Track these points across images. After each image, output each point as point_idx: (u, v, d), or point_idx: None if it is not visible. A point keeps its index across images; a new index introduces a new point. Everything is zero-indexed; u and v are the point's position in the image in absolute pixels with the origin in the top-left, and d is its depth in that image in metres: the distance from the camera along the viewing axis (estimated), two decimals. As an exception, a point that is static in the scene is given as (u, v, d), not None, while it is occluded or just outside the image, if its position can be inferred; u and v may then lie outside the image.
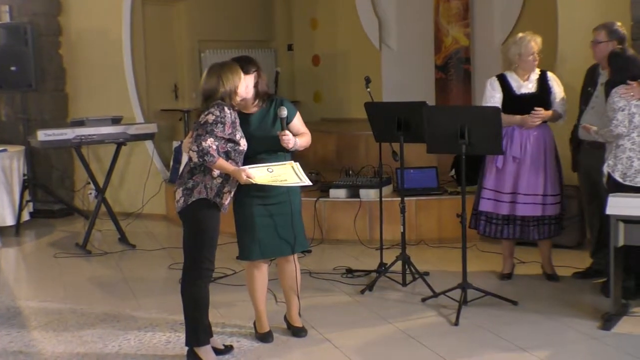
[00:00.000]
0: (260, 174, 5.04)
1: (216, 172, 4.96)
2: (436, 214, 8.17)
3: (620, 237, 5.50)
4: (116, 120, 8.84)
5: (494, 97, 6.51)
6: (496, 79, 6.59)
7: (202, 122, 4.92)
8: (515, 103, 6.47)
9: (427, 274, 6.77)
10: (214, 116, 4.90)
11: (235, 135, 4.98)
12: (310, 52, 12.52)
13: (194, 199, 4.95)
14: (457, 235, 6.25)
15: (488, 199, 6.57)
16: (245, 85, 5.15)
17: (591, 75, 6.51)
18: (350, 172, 8.83)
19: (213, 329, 5.35)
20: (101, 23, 9.92)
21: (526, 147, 6.48)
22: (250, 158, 5.18)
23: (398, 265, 6.70)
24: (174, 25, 11.19)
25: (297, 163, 5.25)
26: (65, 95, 10.23)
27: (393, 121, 6.56)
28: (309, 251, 7.83)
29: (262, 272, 5.49)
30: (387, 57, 11.46)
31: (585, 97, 6.49)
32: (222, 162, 4.92)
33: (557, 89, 6.59)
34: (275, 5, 12.66)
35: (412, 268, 6.69)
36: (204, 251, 5.01)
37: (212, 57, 11.35)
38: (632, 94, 5.79)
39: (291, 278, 5.56)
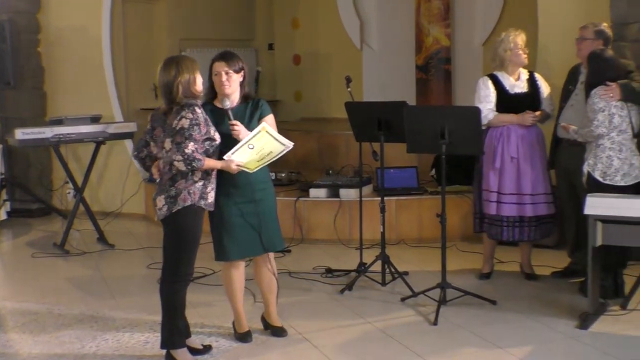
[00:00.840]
0: (245, 155, 4.98)
1: (197, 176, 4.91)
2: (416, 213, 8.18)
3: (598, 236, 5.52)
4: (95, 119, 8.79)
5: (488, 95, 6.52)
6: (488, 78, 6.60)
7: (177, 129, 4.85)
8: (509, 102, 6.50)
9: (406, 273, 6.78)
10: (188, 120, 4.84)
11: (210, 133, 4.94)
12: (291, 52, 12.51)
13: (179, 207, 4.89)
14: (437, 235, 6.25)
15: (491, 201, 6.57)
16: (202, 81, 5.09)
17: (573, 74, 6.56)
18: (331, 171, 8.83)
19: (192, 328, 5.33)
20: (81, 21, 9.87)
21: (523, 146, 6.50)
22: (223, 154, 5.14)
23: (378, 265, 6.69)
24: (155, 23, 11.14)
25: (266, 126, 5.10)
26: (44, 94, 10.17)
27: (373, 121, 6.56)
28: (289, 251, 7.83)
29: (239, 272, 5.47)
30: (368, 57, 11.47)
31: (566, 94, 6.53)
32: (209, 161, 4.91)
33: (545, 89, 6.65)
34: (257, 4, 12.63)
35: (391, 268, 6.69)
36: (185, 257, 5.01)
37: (193, 55, 11.12)
38: (611, 95, 5.82)
39: (268, 277, 5.55)
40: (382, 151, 6.65)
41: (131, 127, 8.92)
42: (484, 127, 6.39)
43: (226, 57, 5.31)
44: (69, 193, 9.66)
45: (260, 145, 5.03)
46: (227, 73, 5.25)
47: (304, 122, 11.87)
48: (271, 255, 5.53)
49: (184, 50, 11.31)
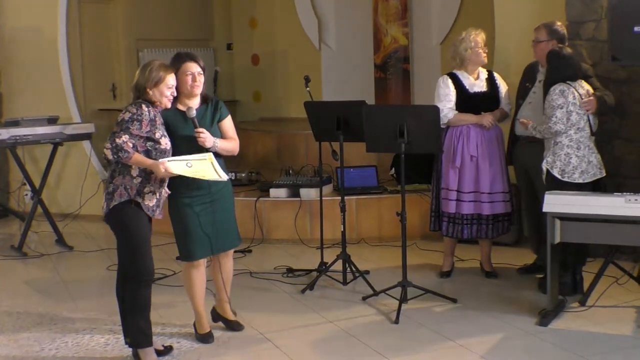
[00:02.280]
0: (179, 168, 4.97)
1: (135, 172, 4.90)
2: (376, 212, 8.20)
3: (557, 234, 5.58)
4: (52, 120, 8.72)
5: (448, 94, 6.55)
6: (448, 77, 6.63)
7: (118, 120, 4.89)
8: (468, 101, 6.54)
9: (367, 272, 6.79)
10: (129, 113, 4.86)
11: (154, 134, 4.91)
12: (250, 52, 12.48)
13: (115, 203, 4.90)
14: (397, 233, 6.28)
15: (450, 199, 6.60)
16: (173, 84, 5.07)
17: (530, 72, 6.62)
18: (291, 171, 8.83)
19: (153, 330, 5.29)
20: (36, 21, 9.76)
21: (482, 145, 6.54)
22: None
23: (339, 264, 6.70)
24: (111, 23, 11.07)
25: (213, 157, 5.14)
26: None
27: (332, 120, 6.57)
28: (249, 251, 7.82)
29: (200, 272, 5.46)
30: (326, 57, 11.47)
31: (523, 92, 6.59)
32: (138, 156, 4.85)
33: (503, 88, 6.70)
34: (214, 4, 12.58)
35: (352, 267, 6.70)
36: (136, 254, 4.97)
37: (151, 55, 11.24)
38: (588, 108, 5.91)
39: (226, 272, 5.59)
40: (341, 151, 6.66)
41: (89, 127, 8.86)
42: (443, 126, 6.43)
43: (195, 57, 5.31)
44: (26, 195, 9.58)
45: (198, 168, 5.07)
46: (199, 74, 5.26)
47: (263, 122, 11.86)
48: (231, 252, 5.58)
49: (141, 50, 11.26)
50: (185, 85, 5.24)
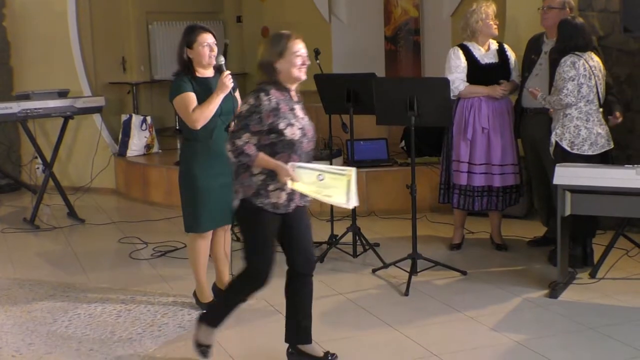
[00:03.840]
0: (307, 178, 4.32)
1: (256, 169, 4.35)
2: (386, 185, 8.20)
3: (567, 206, 5.57)
4: (63, 94, 8.73)
5: (459, 66, 6.53)
6: (459, 48, 6.61)
7: (236, 114, 4.44)
8: (479, 73, 6.52)
9: (377, 245, 6.81)
10: (247, 105, 4.32)
11: (277, 125, 4.30)
12: (260, 24, 12.43)
13: (236, 203, 4.44)
14: (407, 206, 6.29)
15: (462, 171, 6.59)
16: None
17: (535, 44, 6.59)
18: (301, 144, 8.80)
19: (164, 300, 5.31)
20: (46, -6, 9.77)
21: (493, 117, 6.53)
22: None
23: (349, 237, 6.72)
24: (121, -4, 11.07)
25: (355, 174, 4.40)
26: (10, 69, 10.06)
27: (343, 93, 6.56)
28: (260, 224, 7.82)
29: (207, 243, 5.52)
30: (336, 29, 11.43)
31: (529, 64, 6.57)
32: (262, 158, 4.30)
33: (514, 60, 6.68)
34: (224, -24, 12.56)
35: (362, 239, 6.72)
36: (253, 257, 4.45)
37: (160, 29, 11.26)
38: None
39: (227, 245, 5.65)
40: (351, 123, 6.66)
41: (99, 101, 8.87)
42: (454, 98, 6.42)
43: (208, 28, 5.40)
44: (37, 168, 9.61)
45: (329, 184, 4.37)
46: (214, 44, 5.34)
47: (273, 95, 11.83)
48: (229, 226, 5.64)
49: (151, 23, 11.24)
50: (203, 57, 5.30)
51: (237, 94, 5.48)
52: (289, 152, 4.35)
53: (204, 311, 4.84)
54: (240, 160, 4.31)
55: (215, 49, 5.35)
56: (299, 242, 4.56)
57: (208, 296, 5.60)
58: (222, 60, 5.33)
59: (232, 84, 5.27)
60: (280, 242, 4.54)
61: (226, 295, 4.72)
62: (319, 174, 4.36)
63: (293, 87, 4.46)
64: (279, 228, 4.47)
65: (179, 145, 8.37)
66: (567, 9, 6.36)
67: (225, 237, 5.64)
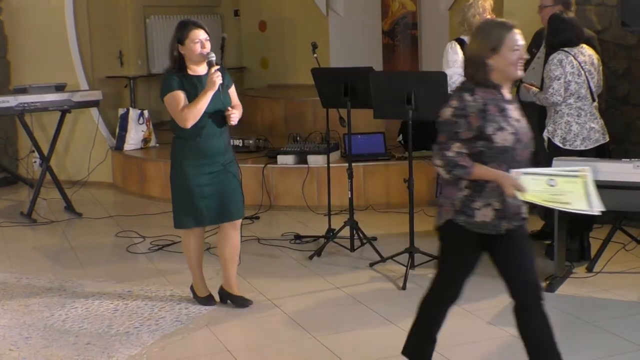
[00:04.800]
0: (536, 186, 3.74)
1: (463, 183, 3.81)
2: (384, 179, 8.20)
3: (565, 200, 5.57)
4: (60, 88, 8.72)
5: (457, 61, 6.51)
6: (457, 42, 6.60)
7: (440, 121, 3.82)
8: None
9: (374, 239, 6.81)
10: (451, 109, 3.77)
11: (484, 129, 3.71)
12: (257, 18, 12.44)
13: (442, 221, 3.92)
14: (405, 200, 6.28)
15: None
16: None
17: (538, 38, 6.60)
18: (298, 138, 8.82)
19: (161, 294, 5.31)
20: (43, -12, 9.76)
21: None
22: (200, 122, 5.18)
23: (346, 231, 6.72)
24: (118, -10, 11.05)
25: (590, 176, 3.80)
26: (7, 63, 10.04)
27: (340, 87, 6.55)
28: (257, 218, 7.84)
29: (198, 238, 5.51)
30: (334, 23, 11.44)
31: (529, 58, 6.56)
32: (479, 170, 3.71)
33: None
34: (221, -30, 12.55)
35: (360, 233, 6.72)
36: (446, 275, 4.10)
37: (158, 22, 11.25)
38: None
39: (233, 246, 5.50)
40: (349, 117, 6.65)
41: (96, 95, 8.87)
42: (451, 93, 6.40)
43: (201, 24, 5.28)
44: (35, 162, 9.60)
45: (564, 188, 3.78)
46: (206, 40, 5.23)
47: (270, 89, 11.85)
48: (238, 224, 5.50)
49: (148, 17, 11.22)
50: (194, 53, 5.21)
51: (232, 90, 5.42)
52: (499, 162, 3.74)
53: (405, 346, 4.30)
54: (455, 175, 3.73)
55: (208, 45, 5.24)
56: (516, 268, 3.94)
57: (203, 290, 5.60)
58: (212, 56, 5.22)
59: (220, 81, 5.18)
60: (497, 269, 4.00)
61: (417, 320, 4.24)
62: (550, 179, 3.75)
63: (506, 85, 3.88)
64: (492, 252, 3.94)
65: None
66: (560, 5, 6.32)
67: (233, 236, 5.49)
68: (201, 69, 5.30)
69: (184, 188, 5.30)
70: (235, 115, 5.26)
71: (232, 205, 5.38)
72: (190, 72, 5.27)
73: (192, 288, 5.66)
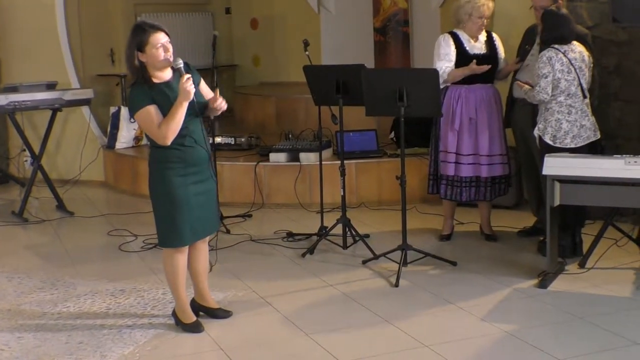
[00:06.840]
0: None
1: None
2: (376, 176, 8.20)
3: (557, 196, 5.58)
4: (51, 86, 8.70)
5: (448, 54, 6.51)
6: (450, 36, 6.59)
7: None
8: (468, 62, 6.47)
9: (367, 236, 6.81)
10: None
11: None
12: (249, 16, 12.42)
13: None
14: (397, 197, 6.28)
15: (449, 162, 6.58)
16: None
17: (530, 34, 6.59)
18: (290, 135, 8.81)
19: (154, 293, 5.28)
20: (33, -14, 9.72)
21: (480, 107, 6.52)
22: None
23: (339, 228, 6.71)
24: (109, -13, 11.01)
25: None
26: (-2, 61, 10.04)
27: (332, 84, 6.54)
28: (250, 216, 7.83)
29: (185, 257, 5.08)
30: (325, 20, 11.42)
31: (522, 54, 6.58)
32: None
33: (501, 50, 6.66)
34: (212, -33, 12.52)
35: (352, 231, 6.71)
36: None
37: (149, 20, 11.17)
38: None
39: (206, 259, 5.26)
40: (341, 115, 6.65)
41: (88, 93, 8.84)
42: (442, 86, 6.39)
43: (159, 26, 4.83)
44: (26, 161, 9.58)
45: None
46: (168, 42, 4.81)
47: (262, 87, 11.83)
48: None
49: (139, 15, 11.19)
50: (158, 60, 4.78)
51: (202, 85, 5.01)
52: None
53: None
54: None
55: (170, 48, 4.79)
56: None
57: (190, 316, 5.14)
58: (180, 63, 4.77)
59: (194, 89, 4.74)
60: None
61: None
62: None
63: None
64: None
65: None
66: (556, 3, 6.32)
67: (205, 249, 5.20)
68: (166, 74, 4.87)
69: (172, 201, 4.88)
70: (220, 99, 4.89)
71: (215, 216, 5.23)
72: (155, 80, 4.82)
73: (174, 314, 5.21)
